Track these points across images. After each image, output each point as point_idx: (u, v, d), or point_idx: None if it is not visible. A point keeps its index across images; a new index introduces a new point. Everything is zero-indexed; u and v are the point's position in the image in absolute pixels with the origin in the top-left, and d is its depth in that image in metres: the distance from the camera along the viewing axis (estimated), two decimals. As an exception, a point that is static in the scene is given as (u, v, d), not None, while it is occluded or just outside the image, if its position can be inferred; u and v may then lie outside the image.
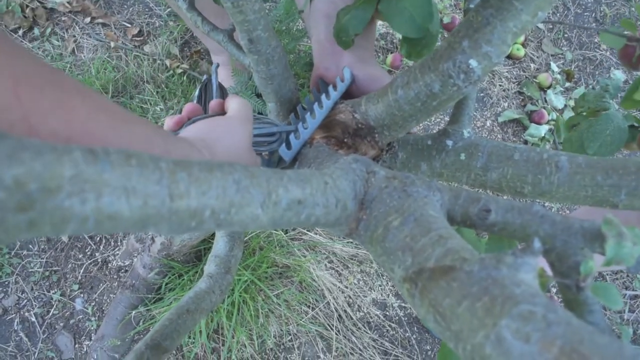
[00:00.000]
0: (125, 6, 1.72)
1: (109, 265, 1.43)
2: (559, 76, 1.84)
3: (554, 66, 1.86)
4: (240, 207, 0.28)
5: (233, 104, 0.62)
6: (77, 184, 0.20)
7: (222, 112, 0.62)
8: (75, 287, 1.40)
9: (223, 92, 0.73)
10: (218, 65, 0.73)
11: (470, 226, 0.38)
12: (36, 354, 1.33)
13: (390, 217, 0.35)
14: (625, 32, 0.62)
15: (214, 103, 0.63)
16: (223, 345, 1.35)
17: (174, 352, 1.34)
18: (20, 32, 1.60)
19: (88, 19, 1.66)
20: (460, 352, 0.23)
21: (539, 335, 0.19)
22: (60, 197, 0.20)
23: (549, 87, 1.82)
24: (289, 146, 0.69)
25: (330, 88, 0.73)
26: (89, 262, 1.42)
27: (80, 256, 1.43)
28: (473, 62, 0.53)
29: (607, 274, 1.59)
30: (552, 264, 0.33)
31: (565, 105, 1.80)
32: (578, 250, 0.32)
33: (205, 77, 0.73)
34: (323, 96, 0.72)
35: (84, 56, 1.61)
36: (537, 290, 0.22)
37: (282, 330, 1.40)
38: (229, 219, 0.28)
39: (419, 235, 0.31)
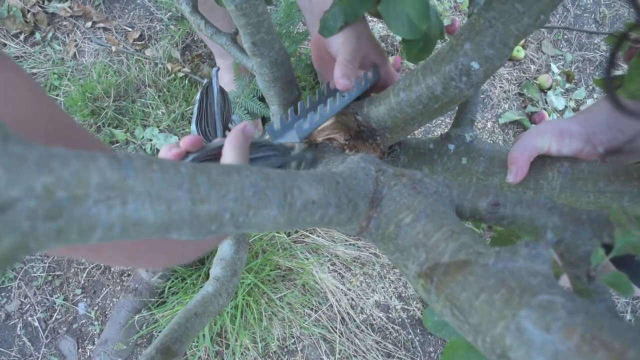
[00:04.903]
0: (126, 10, 1.72)
1: (112, 269, 1.43)
2: (559, 77, 1.85)
3: (554, 67, 1.86)
4: (258, 209, 0.29)
5: (225, 151, 0.52)
6: (103, 191, 0.20)
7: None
8: (78, 291, 1.39)
9: (224, 96, 0.73)
10: (218, 69, 0.73)
11: (480, 220, 0.38)
12: (39, 358, 1.33)
13: (401, 215, 0.36)
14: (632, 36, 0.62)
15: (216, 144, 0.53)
16: (227, 348, 1.35)
17: (178, 355, 1.34)
18: (22, 37, 1.60)
19: (89, 24, 1.67)
20: (479, 345, 0.23)
21: (560, 324, 0.20)
22: (87, 204, 0.20)
23: (549, 89, 1.82)
24: (300, 132, 0.65)
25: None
26: (92, 266, 1.42)
27: (82, 260, 1.43)
28: (475, 64, 0.53)
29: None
30: (561, 255, 0.34)
31: (566, 107, 1.81)
32: (587, 240, 0.32)
33: (206, 81, 0.73)
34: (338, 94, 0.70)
35: (86, 60, 1.62)
36: (554, 280, 0.23)
37: (285, 333, 1.40)
38: (247, 222, 0.28)
39: (432, 231, 0.31)
